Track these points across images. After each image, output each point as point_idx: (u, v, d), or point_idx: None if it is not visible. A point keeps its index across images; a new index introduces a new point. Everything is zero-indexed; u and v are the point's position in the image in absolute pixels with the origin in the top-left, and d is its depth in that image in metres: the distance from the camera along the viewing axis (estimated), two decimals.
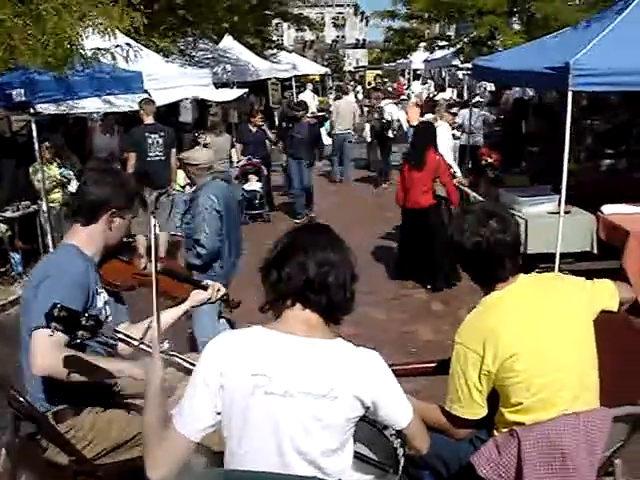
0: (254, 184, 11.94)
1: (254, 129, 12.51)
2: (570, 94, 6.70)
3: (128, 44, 8.45)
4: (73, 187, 9.07)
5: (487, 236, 2.64)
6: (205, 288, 3.50)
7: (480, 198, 8.79)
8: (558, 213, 7.27)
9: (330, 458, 2.19)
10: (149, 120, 8.96)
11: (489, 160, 11.25)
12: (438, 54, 21.55)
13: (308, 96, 22.42)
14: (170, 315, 3.37)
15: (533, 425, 2.50)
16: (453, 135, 11.91)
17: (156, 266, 2.91)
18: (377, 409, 2.25)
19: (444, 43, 19.86)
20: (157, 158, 8.90)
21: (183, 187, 11.61)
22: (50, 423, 2.96)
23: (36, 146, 8.49)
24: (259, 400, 2.14)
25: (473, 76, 11.47)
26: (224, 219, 5.34)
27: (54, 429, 2.94)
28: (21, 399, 2.90)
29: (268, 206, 12.28)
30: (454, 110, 12.44)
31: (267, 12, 20.52)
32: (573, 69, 6.59)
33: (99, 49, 8.11)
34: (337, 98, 24.73)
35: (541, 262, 7.32)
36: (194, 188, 5.62)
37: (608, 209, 7.67)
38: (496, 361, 2.53)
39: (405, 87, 28.90)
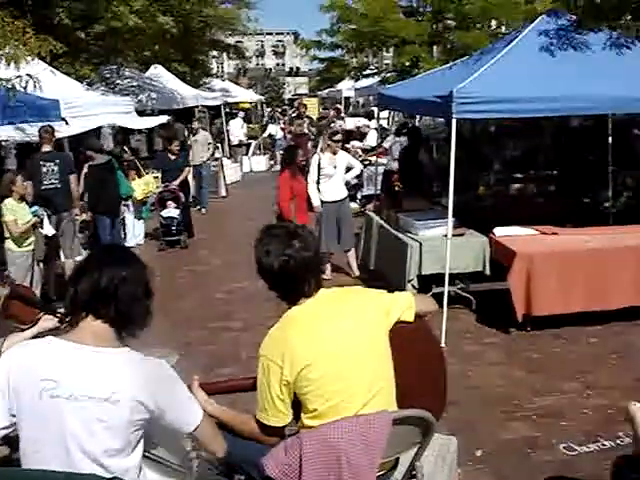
0: (172, 210, 12.03)
1: (173, 157, 12.71)
2: (454, 121, 6.99)
3: (29, 75, 8.44)
4: (47, 228, 8.49)
5: (293, 255, 2.84)
6: (56, 315, 3.58)
7: (381, 222, 9.07)
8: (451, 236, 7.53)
9: (114, 458, 2.39)
10: (46, 148, 8.99)
11: (401, 186, 11.58)
12: (365, 82, 21.98)
13: (237, 124, 22.69)
14: (17, 339, 3.45)
15: (316, 427, 2.69)
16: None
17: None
18: (162, 414, 2.45)
19: (369, 72, 20.26)
20: (52, 186, 8.92)
21: (143, 203, 11.76)
22: None
23: None
24: (46, 403, 2.35)
25: (379, 105, 11.78)
26: None
27: None
28: None
29: (186, 233, 12.32)
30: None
31: (191, 41, 20.65)
32: (456, 97, 6.89)
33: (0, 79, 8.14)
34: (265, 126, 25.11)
35: (438, 283, 7.59)
36: None
37: (499, 231, 7.98)
38: (293, 371, 2.71)
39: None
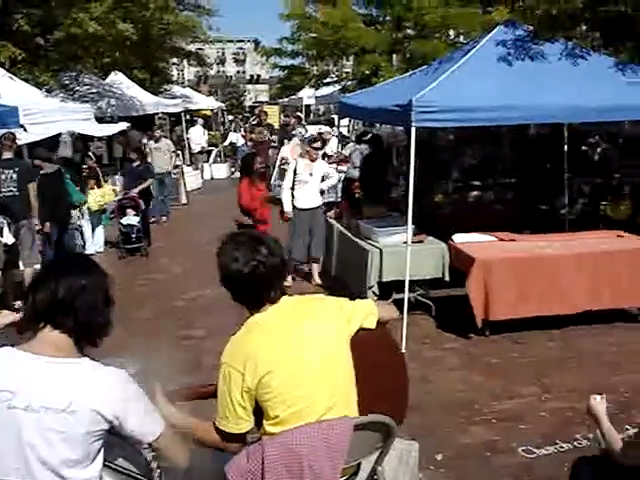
0: (131, 218, 11.94)
1: (135, 163, 12.71)
2: (413, 130, 7.07)
3: None
4: (6, 236, 8.43)
5: (262, 260, 2.85)
6: (13, 309, 3.55)
7: (342, 229, 9.12)
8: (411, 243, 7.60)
9: (73, 468, 2.39)
10: (6, 155, 8.89)
11: (361, 193, 11.65)
12: (326, 91, 22.08)
13: (198, 131, 22.61)
14: None
15: (278, 433, 2.71)
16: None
17: None
18: (122, 424, 2.44)
19: (329, 80, 20.38)
20: (10, 194, 8.82)
21: (102, 211, 11.68)
22: None
23: None
24: (3, 414, 2.35)
25: (339, 113, 11.84)
26: None
27: None
28: None
29: (146, 241, 12.25)
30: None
31: (151, 48, 20.56)
32: (415, 106, 6.96)
33: None
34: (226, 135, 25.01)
35: (398, 289, 7.65)
36: None
37: (458, 238, 8.09)
38: (255, 378, 2.72)
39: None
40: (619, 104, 7.56)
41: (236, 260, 2.86)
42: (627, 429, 4.59)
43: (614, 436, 3.35)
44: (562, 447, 5.16)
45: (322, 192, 12.82)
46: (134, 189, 12.29)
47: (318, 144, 9.90)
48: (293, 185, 9.34)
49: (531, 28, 8.82)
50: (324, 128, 19.80)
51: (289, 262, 9.16)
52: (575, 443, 5.19)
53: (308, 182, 9.37)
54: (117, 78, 19.38)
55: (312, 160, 9.47)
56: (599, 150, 12.62)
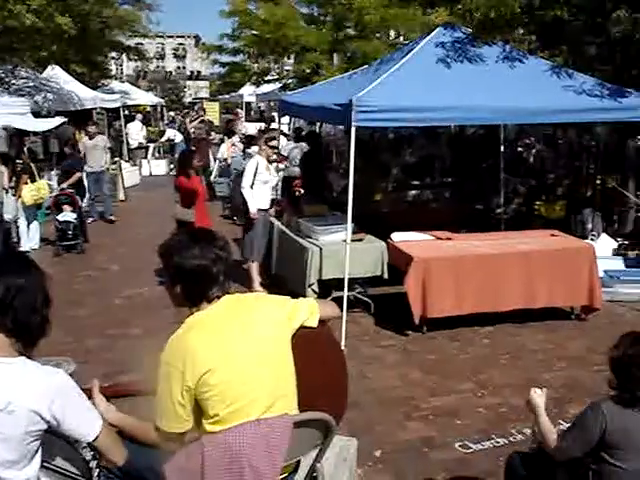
0: (68, 214, 11.70)
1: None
2: (353, 129, 7.11)
3: None
4: None
5: (219, 254, 2.84)
6: None
7: (283, 228, 9.11)
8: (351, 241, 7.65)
9: (10, 469, 2.35)
10: None
11: (302, 191, 11.68)
12: (267, 88, 22.05)
13: (136, 126, 22.31)
14: None
15: (218, 432, 2.70)
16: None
17: None
18: (60, 424, 2.41)
19: (270, 78, 20.37)
20: None
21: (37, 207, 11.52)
22: None
23: None
24: None
25: (280, 111, 11.84)
26: None
27: None
28: None
29: (83, 237, 12.02)
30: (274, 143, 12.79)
31: (90, 41, 20.19)
32: (355, 106, 7.01)
33: None
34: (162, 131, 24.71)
35: (338, 287, 7.69)
36: None
37: (397, 237, 8.17)
38: (194, 377, 2.69)
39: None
40: (554, 107, 7.75)
41: (194, 254, 2.82)
42: (560, 424, 4.73)
43: (549, 429, 3.44)
44: (498, 442, 5.27)
45: None
46: (63, 184, 12.15)
47: (275, 143, 9.66)
48: (252, 184, 8.86)
49: (470, 31, 8.96)
50: (273, 125, 19.72)
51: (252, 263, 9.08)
52: (510, 438, 5.30)
53: (268, 182, 9.05)
54: (54, 72, 18.97)
55: (269, 160, 9.12)
56: (534, 151, 12.94)
